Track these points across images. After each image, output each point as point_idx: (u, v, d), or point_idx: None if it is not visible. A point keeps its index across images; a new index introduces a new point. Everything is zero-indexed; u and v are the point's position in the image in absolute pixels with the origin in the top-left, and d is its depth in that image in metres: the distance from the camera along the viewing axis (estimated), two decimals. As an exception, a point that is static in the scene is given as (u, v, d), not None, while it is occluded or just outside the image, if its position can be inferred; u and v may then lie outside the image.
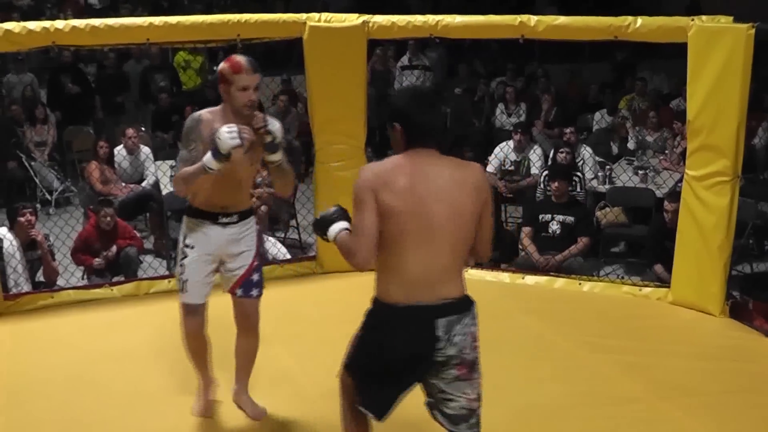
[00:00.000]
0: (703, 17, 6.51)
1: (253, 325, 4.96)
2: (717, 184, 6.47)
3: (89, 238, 7.86)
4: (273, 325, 6.36)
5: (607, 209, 8.90)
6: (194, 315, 4.86)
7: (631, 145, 10.77)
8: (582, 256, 7.94)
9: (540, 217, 8.10)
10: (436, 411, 3.81)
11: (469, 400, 3.75)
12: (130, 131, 9.92)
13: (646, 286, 7.27)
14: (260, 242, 5.03)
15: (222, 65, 4.62)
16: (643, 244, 8.28)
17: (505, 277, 7.51)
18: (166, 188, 9.13)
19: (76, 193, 10.81)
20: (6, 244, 7.17)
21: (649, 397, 5.42)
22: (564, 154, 9.09)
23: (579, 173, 9.16)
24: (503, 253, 8.02)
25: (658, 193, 8.83)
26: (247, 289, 4.88)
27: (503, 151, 9.77)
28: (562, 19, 7.00)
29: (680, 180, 7.33)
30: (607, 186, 9.29)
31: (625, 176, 9.28)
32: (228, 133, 4.34)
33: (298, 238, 9.47)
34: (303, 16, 7.23)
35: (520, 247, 8.15)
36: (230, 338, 4.99)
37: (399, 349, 3.68)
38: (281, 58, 14.24)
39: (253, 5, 13.97)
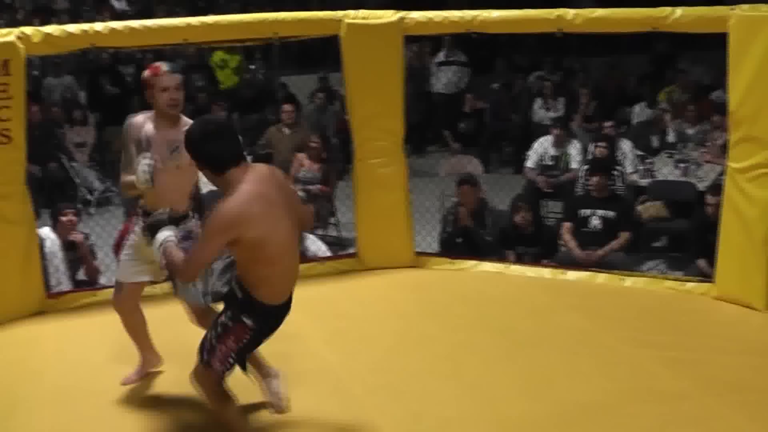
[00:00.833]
0: (744, 6, 6.41)
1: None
2: (760, 176, 6.38)
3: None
4: (314, 322, 6.42)
5: (648, 203, 8.83)
6: (130, 294, 5.35)
7: (671, 138, 10.66)
8: (623, 251, 7.87)
9: (580, 212, 8.05)
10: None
11: None
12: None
13: (689, 281, 7.19)
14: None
15: (144, 72, 5.03)
16: (684, 239, 8.21)
17: (546, 272, 7.45)
18: (206, 186, 9.12)
19: (116, 193, 10.87)
20: (48, 243, 7.23)
21: (697, 393, 5.33)
22: (603, 148, 9.03)
23: (619, 167, 9.09)
24: (544, 249, 7.96)
25: (700, 187, 8.75)
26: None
27: (542, 146, 9.72)
28: (599, 12, 6.93)
29: (722, 173, 7.25)
30: (647, 180, 9.22)
31: (666, 170, 9.19)
32: (143, 171, 4.82)
33: (338, 235, 9.47)
34: (340, 13, 7.21)
35: (561, 242, 8.10)
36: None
37: (273, 328, 4.42)
38: (317, 55, 14.28)
39: (289, 3, 13.95)
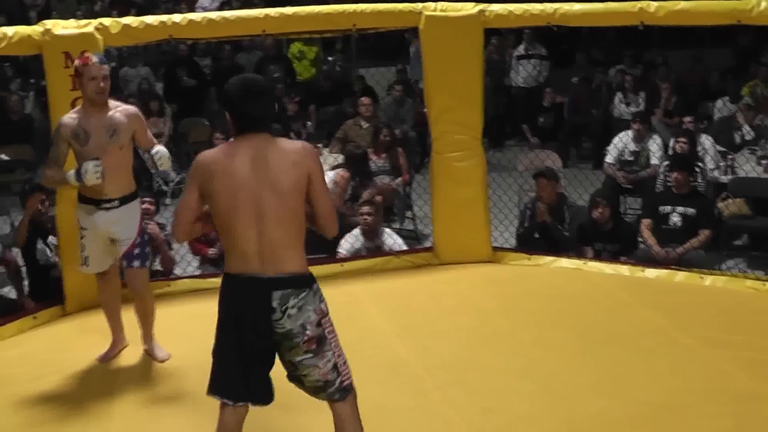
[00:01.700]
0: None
1: (138, 289, 5.72)
2: None
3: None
4: (388, 316, 6.42)
5: (729, 200, 8.66)
6: (102, 277, 5.78)
7: (746, 135, 10.42)
8: (703, 249, 7.74)
9: (660, 208, 7.93)
10: (296, 383, 4.05)
11: (322, 373, 3.96)
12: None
13: (771, 280, 7.04)
14: (142, 221, 5.76)
15: (75, 62, 5.46)
16: (766, 237, 8.03)
17: (624, 269, 7.34)
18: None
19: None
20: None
21: (773, 395, 5.22)
22: (684, 144, 8.89)
23: (700, 163, 8.94)
24: (623, 246, 7.85)
25: (784, 184, 8.57)
26: (129, 261, 5.63)
27: (622, 142, 9.61)
28: (683, 4, 6.80)
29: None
30: (729, 176, 9.06)
31: (748, 166, 9.02)
32: (93, 172, 5.26)
33: (415, 229, 9.45)
34: (419, 5, 7.19)
35: (640, 239, 7.99)
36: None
37: (239, 315, 3.91)
38: (395, 48, 14.27)
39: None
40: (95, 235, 5.59)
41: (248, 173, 3.86)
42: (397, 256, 7.61)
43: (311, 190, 3.93)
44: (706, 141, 9.40)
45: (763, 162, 9.05)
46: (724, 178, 9.07)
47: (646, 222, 7.95)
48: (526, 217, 8.19)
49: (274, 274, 3.86)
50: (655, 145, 9.50)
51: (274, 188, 3.86)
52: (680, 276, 7.16)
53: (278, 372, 4.02)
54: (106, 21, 6.58)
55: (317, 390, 4.01)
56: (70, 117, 5.50)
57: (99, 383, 5.60)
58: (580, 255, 7.66)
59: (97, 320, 6.13)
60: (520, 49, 13.42)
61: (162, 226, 7.75)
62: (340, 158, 9.69)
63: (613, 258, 7.62)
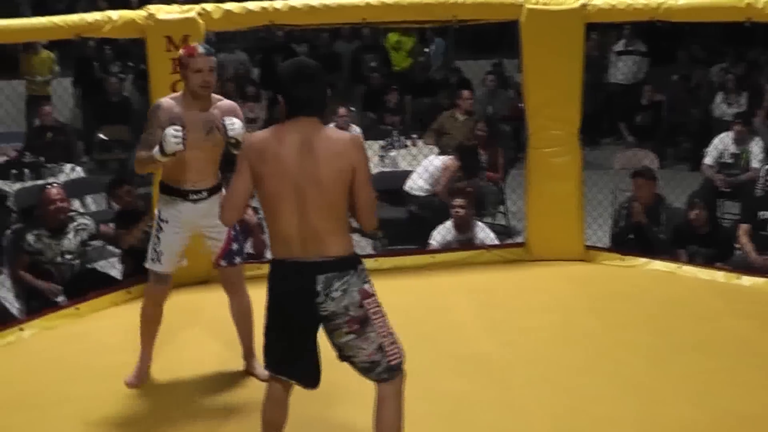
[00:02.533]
0: None
1: (240, 286, 5.40)
2: None
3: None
4: (476, 310, 6.41)
5: (833, 208, 8.44)
6: (163, 283, 5.30)
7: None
8: (804, 258, 7.55)
9: (759, 213, 7.72)
10: (348, 362, 4.06)
11: (368, 354, 3.98)
12: (341, 110, 10.07)
13: None
14: None
15: (180, 51, 5.12)
16: None
17: (719, 276, 7.16)
18: (376, 167, 9.19)
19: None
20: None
21: None
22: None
23: (804, 168, 8.74)
24: (718, 251, 7.69)
25: None
26: (230, 258, 5.32)
27: (722, 143, 9.45)
28: (794, 1, 6.63)
29: None
30: (833, 183, 8.83)
31: None
32: (173, 138, 4.74)
33: (507, 223, 9.39)
34: (520, -3, 7.12)
35: (737, 245, 7.80)
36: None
37: (284, 300, 3.99)
38: (492, 41, 14.18)
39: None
40: (178, 229, 5.19)
41: (294, 159, 3.88)
42: (488, 250, 7.56)
43: (354, 181, 3.93)
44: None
45: None
46: (829, 185, 8.84)
47: (744, 227, 7.75)
48: (621, 216, 8.08)
49: (317, 258, 3.90)
50: (757, 147, 9.31)
51: (315, 177, 3.88)
52: (778, 285, 6.98)
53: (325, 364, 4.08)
54: (209, 6, 6.63)
55: (365, 370, 4.05)
56: (168, 102, 5.08)
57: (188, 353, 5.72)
58: (674, 258, 7.51)
59: (182, 296, 6.26)
60: (620, 45, 13.27)
61: (256, 210, 7.79)
62: (435, 150, 9.69)
63: (708, 263, 7.46)
